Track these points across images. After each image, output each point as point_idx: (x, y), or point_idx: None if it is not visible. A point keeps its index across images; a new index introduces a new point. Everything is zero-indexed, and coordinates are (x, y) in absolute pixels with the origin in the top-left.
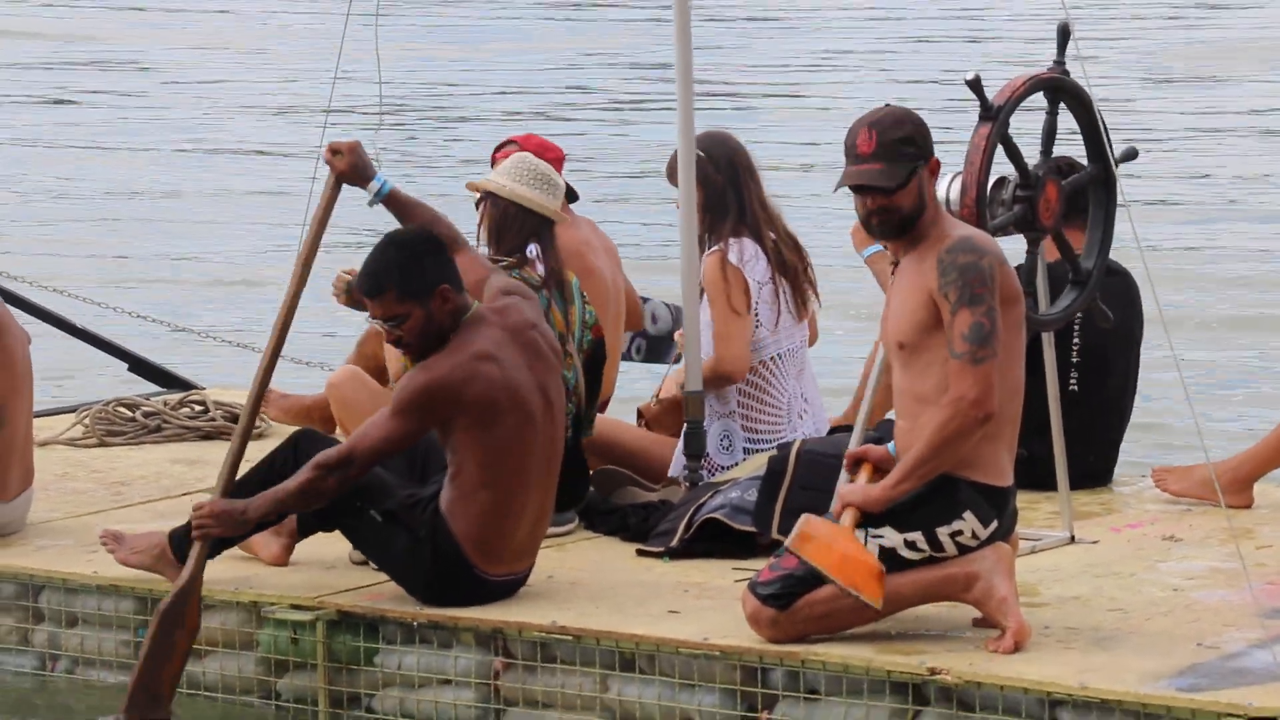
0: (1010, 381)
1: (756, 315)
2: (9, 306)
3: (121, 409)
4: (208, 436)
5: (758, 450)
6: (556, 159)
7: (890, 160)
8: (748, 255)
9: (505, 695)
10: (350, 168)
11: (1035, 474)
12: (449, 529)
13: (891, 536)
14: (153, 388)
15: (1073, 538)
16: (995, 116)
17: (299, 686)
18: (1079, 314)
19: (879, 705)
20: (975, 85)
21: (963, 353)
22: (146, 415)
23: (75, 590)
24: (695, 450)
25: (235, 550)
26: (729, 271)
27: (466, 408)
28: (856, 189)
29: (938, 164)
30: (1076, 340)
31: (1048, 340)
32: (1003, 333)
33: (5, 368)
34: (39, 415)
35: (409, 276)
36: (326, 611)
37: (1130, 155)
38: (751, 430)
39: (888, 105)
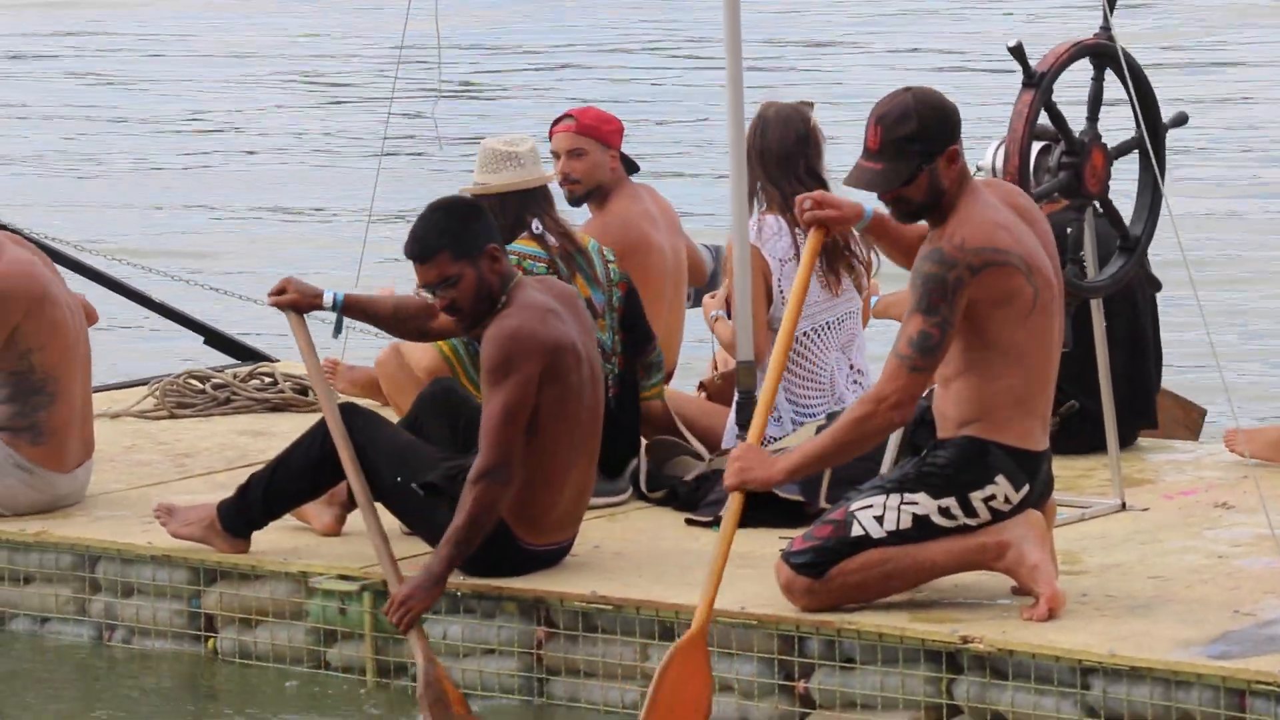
0: (1033, 355)
1: (780, 291)
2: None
3: (193, 381)
4: (276, 408)
5: (805, 421)
6: (614, 130)
7: (893, 159)
8: (768, 233)
9: (548, 664)
10: (299, 296)
11: (1090, 432)
12: None
13: (926, 503)
14: (229, 360)
15: (1123, 505)
16: (1038, 83)
17: (347, 656)
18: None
19: (913, 674)
20: (1017, 52)
21: (904, 356)
22: (216, 387)
23: (131, 561)
24: (746, 420)
25: (289, 520)
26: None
27: (548, 355)
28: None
29: (956, 151)
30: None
31: (1096, 307)
32: (982, 329)
33: (54, 341)
34: (112, 388)
35: (460, 237)
36: (372, 582)
37: (1181, 120)
38: (796, 402)
39: (908, 89)
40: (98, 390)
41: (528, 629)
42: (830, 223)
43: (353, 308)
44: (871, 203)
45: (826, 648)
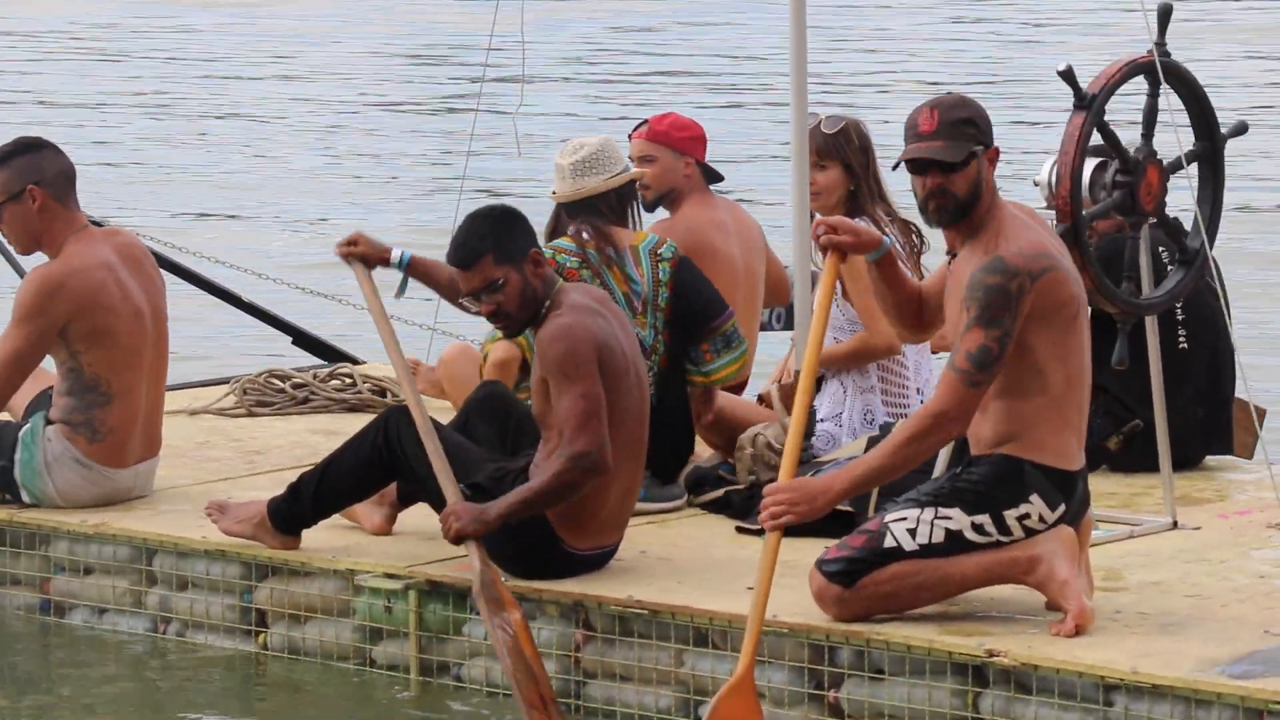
0: (1070, 371)
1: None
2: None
3: (274, 380)
4: (354, 409)
5: (889, 425)
6: (689, 138)
7: (951, 138)
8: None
9: (586, 667)
10: (369, 249)
11: (1154, 452)
12: None
13: (959, 519)
14: (317, 361)
15: (1175, 523)
16: (1089, 105)
17: (392, 654)
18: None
19: (940, 686)
20: (1068, 75)
21: (962, 370)
22: (296, 387)
23: (186, 555)
24: (809, 430)
25: (339, 520)
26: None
27: (604, 354)
28: (916, 166)
29: (996, 153)
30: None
31: (1150, 325)
32: (1023, 346)
33: (110, 346)
34: (196, 386)
35: (502, 242)
36: (417, 581)
37: (1240, 130)
38: (892, 404)
39: (950, 93)
40: (182, 388)
41: (567, 632)
42: (845, 248)
43: (417, 268)
44: (889, 239)
45: (856, 658)
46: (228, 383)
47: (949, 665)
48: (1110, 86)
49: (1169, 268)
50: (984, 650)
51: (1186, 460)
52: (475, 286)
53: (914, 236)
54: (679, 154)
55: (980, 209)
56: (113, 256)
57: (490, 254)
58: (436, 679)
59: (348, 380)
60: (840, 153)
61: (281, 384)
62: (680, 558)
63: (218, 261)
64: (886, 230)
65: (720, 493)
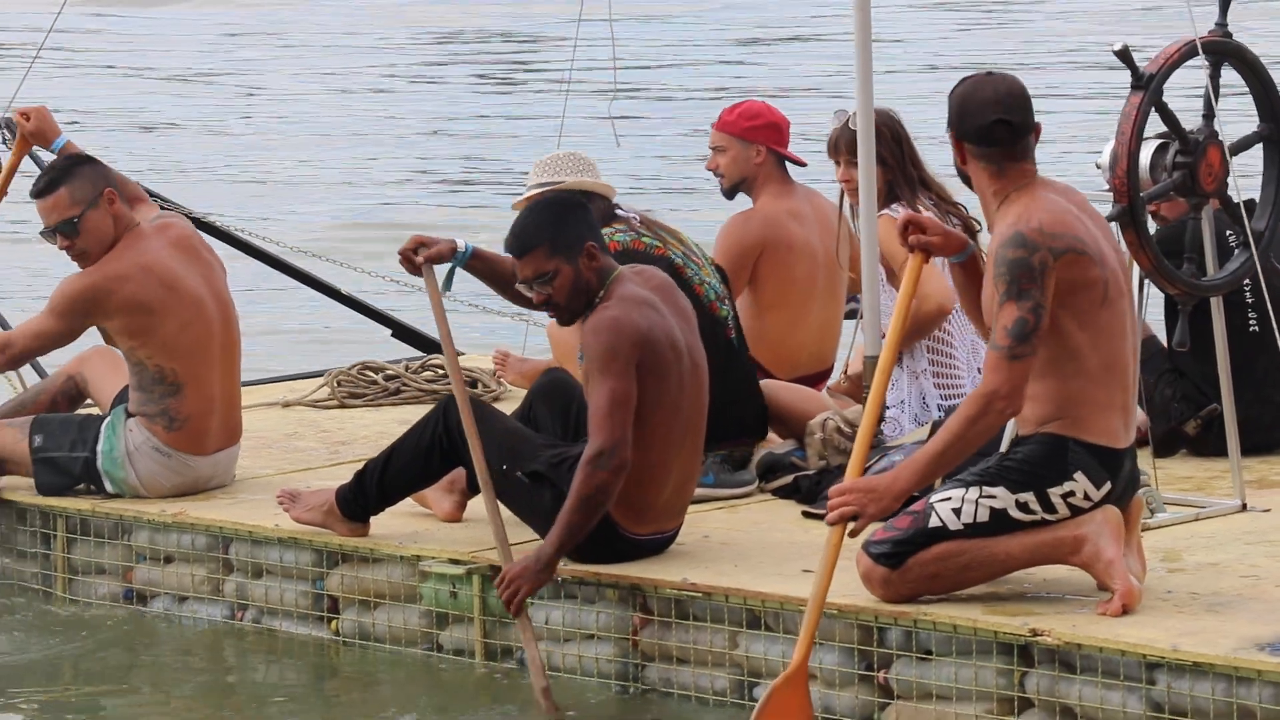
0: (1107, 356)
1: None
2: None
3: (366, 372)
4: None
5: (953, 406)
6: (758, 126)
7: None
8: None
9: (643, 650)
10: (437, 249)
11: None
12: None
13: (1004, 497)
14: (416, 353)
15: (1244, 505)
16: (1146, 85)
17: (458, 639)
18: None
19: (986, 666)
20: (1124, 55)
21: (1002, 347)
22: (388, 379)
23: (260, 542)
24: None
25: (411, 505)
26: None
27: (645, 346)
28: None
29: (957, 145)
30: (1247, 280)
31: (1216, 305)
32: (1054, 327)
33: (168, 338)
34: (293, 379)
35: (558, 233)
36: (479, 567)
37: None
38: (944, 386)
39: (988, 73)
40: (279, 380)
41: (625, 615)
42: (934, 249)
43: (478, 259)
44: (974, 244)
45: (905, 638)
46: (323, 375)
47: (994, 645)
48: (1169, 66)
49: (1235, 251)
50: (1028, 630)
51: (1270, 444)
52: (528, 276)
53: (964, 221)
54: (748, 143)
55: (976, 188)
56: (164, 251)
57: (545, 245)
58: (500, 663)
59: (439, 371)
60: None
61: (374, 376)
62: (741, 542)
63: (312, 254)
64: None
65: (790, 479)
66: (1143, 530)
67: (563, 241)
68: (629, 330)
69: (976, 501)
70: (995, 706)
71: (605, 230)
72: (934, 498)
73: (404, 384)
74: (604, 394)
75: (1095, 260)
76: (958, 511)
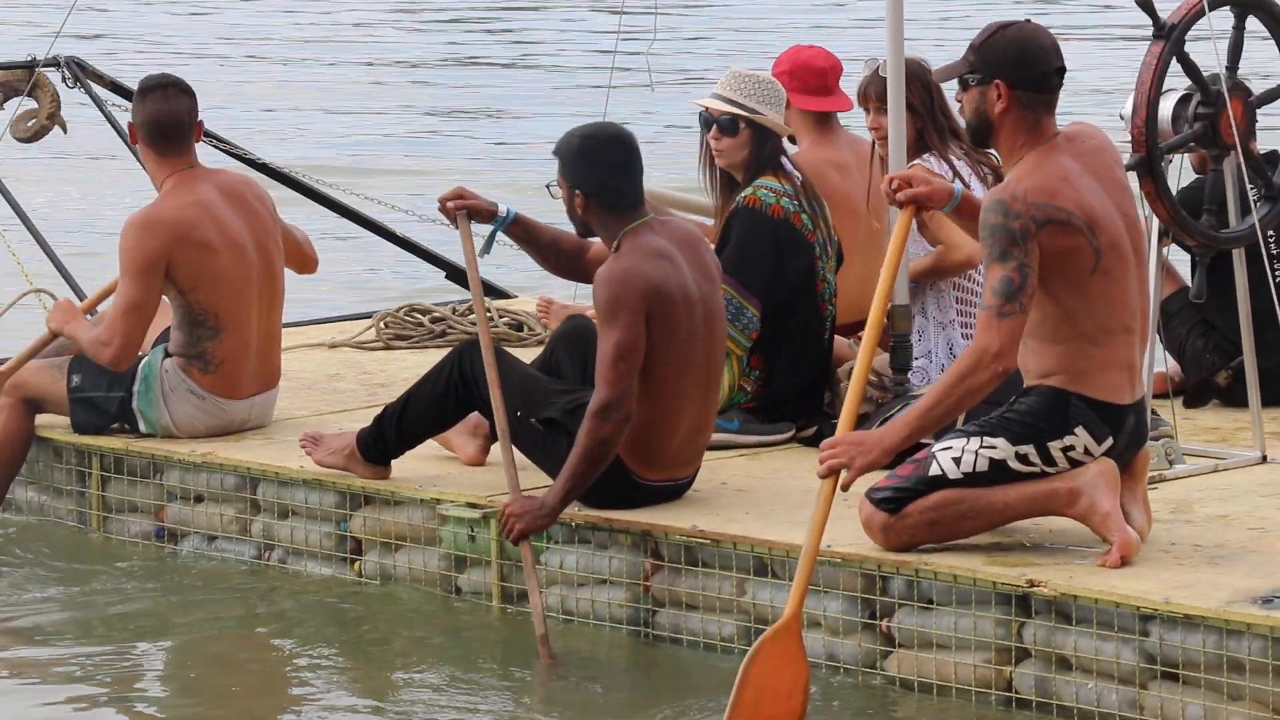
0: (1104, 319)
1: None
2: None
3: (414, 314)
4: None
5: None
6: (786, 71)
7: (964, 58)
8: (937, 169)
9: (655, 595)
10: (477, 201)
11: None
12: None
13: (1004, 448)
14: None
15: (1264, 457)
16: (1167, 35)
17: (476, 582)
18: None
19: (985, 615)
20: (1145, 4)
21: (990, 306)
22: (434, 321)
23: (287, 484)
24: (901, 364)
25: (436, 449)
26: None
27: (654, 296)
28: None
29: (1004, 90)
30: (1271, 232)
31: (1238, 257)
32: (1044, 292)
33: (213, 280)
34: (344, 319)
35: (565, 159)
36: (496, 510)
37: None
38: (972, 337)
39: (1030, 22)
40: (329, 321)
41: (637, 561)
42: (921, 200)
43: (519, 226)
44: (961, 187)
45: (907, 588)
46: (371, 317)
47: (993, 595)
48: (1190, 17)
49: (1257, 204)
50: (1025, 580)
51: None
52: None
53: (995, 170)
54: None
55: (998, 143)
56: (212, 194)
57: (560, 161)
58: (517, 606)
59: (486, 314)
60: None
61: (420, 318)
62: (757, 489)
63: (367, 197)
64: (960, 167)
65: (814, 429)
66: (1161, 481)
67: (569, 170)
68: (638, 281)
69: (977, 452)
70: (994, 656)
71: (760, 181)
72: (936, 447)
73: (449, 326)
74: (610, 345)
75: (1083, 230)
76: (958, 460)
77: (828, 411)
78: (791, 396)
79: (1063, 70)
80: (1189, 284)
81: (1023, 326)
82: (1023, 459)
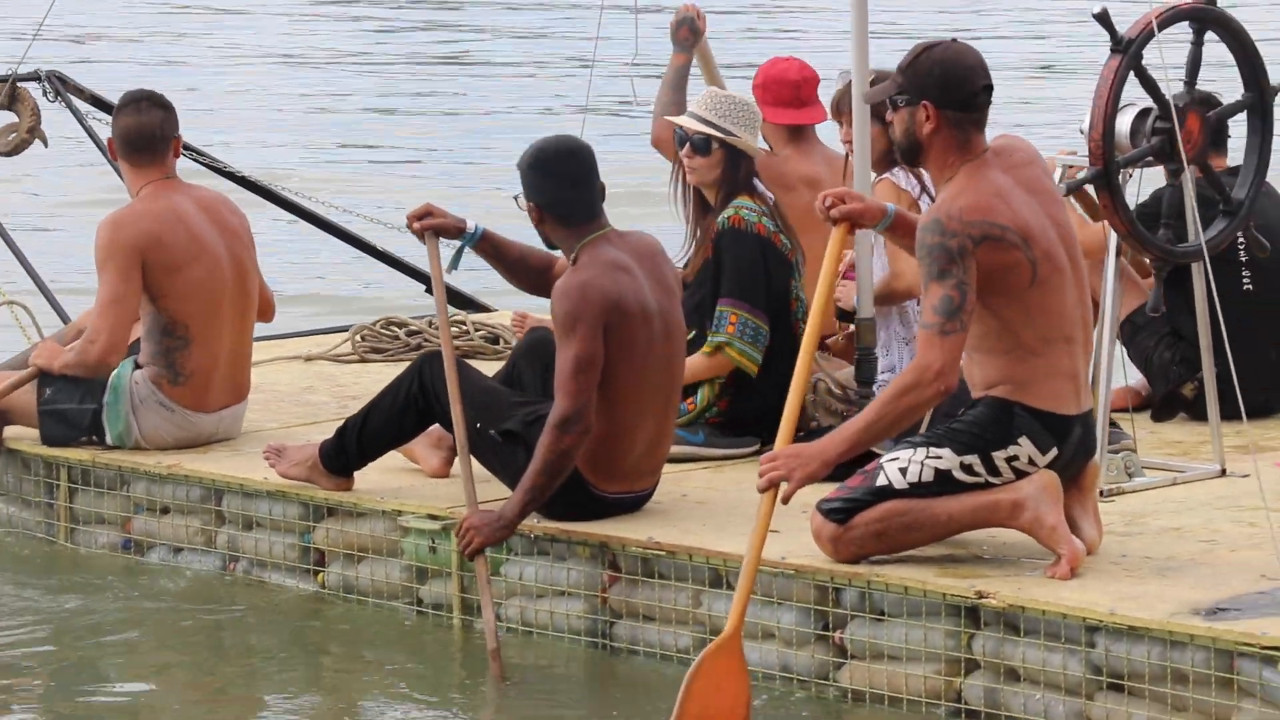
0: (1044, 330)
1: None
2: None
3: (391, 327)
4: (466, 355)
5: None
6: (760, 84)
7: (892, 78)
8: (905, 183)
9: (612, 607)
10: (445, 221)
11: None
12: None
13: (949, 458)
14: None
15: (1223, 470)
16: (1125, 49)
17: (437, 594)
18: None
19: (936, 627)
20: (1103, 19)
21: (932, 324)
22: (410, 334)
23: (251, 495)
24: (866, 377)
25: (402, 461)
26: (902, 196)
27: (615, 313)
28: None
29: (932, 112)
30: (1241, 240)
31: (1196, 271)
32: (984, 306)
33: (186, 292)
34: (321, 333)
35: (522, 173)
36: (456, 522)
37: None
38: None
39: (958, 42)
40: (307, 334)
41: (595, 572)
42: (853, 217)
43: (488, 242)
44: (894, 205)
45: (860, 599)
46: (348, 330)
47: (943, 607)
48: (1149, 32)
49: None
50: (974, 592)
51: (1266, 406)
52: None
53: None
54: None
55: (928, 162)
56: (187, 205)
57: (519, 174)
58: (477, 618)
59: (463, 326)
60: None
61: (397, 331)
62: (717, 502)
63: (346, 210)
64: (929, 181)
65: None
66: (1119, 494)
67: (524, 183)
68: (595, 294)
69: (923, 462)
70: (944, 667)
71: (737, 201)
72: (885, 457)
73: (425, 339)
74: (569, 358)
75: (1019, 243)
76: (904, 471)
77: (799, 427)
78: (760, 412)
79: (989, 88)
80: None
81: (963, 343)
82: (967, 469)
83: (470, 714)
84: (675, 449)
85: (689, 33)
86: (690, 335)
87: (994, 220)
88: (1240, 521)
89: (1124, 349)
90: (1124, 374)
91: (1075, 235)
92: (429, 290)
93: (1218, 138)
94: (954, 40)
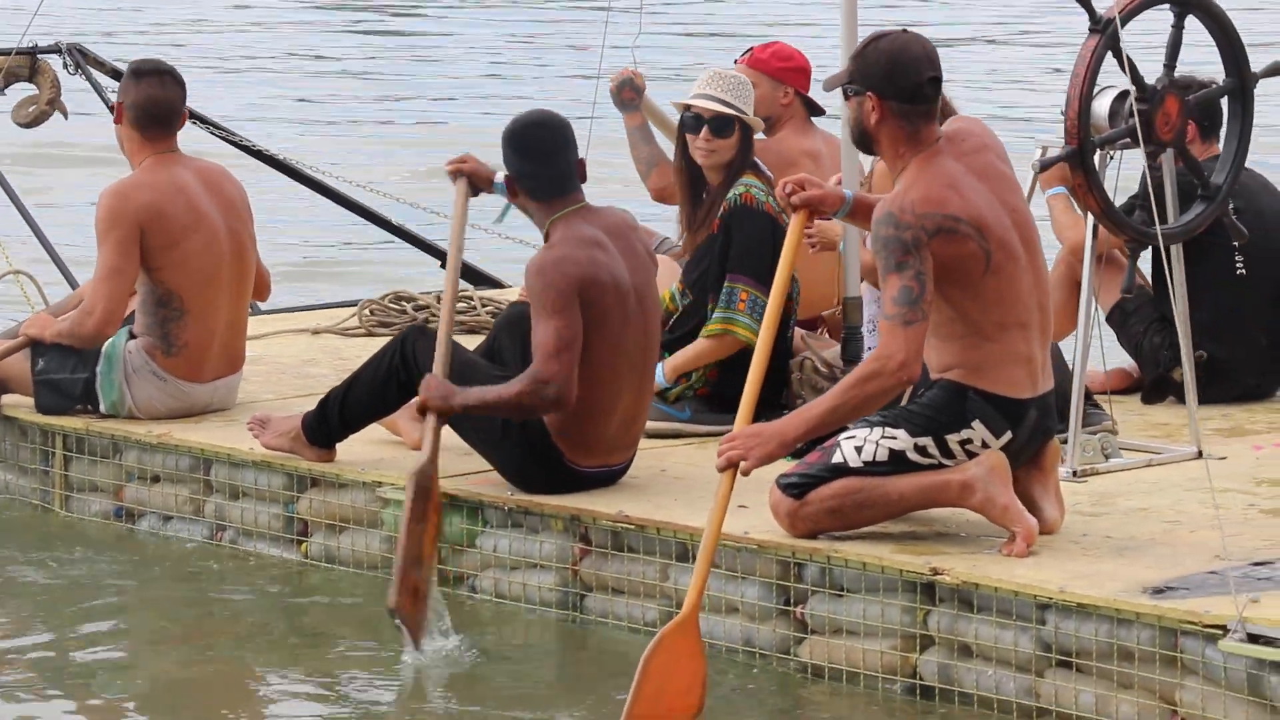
0: (1000, 316)
1: None
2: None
3: (401, 301)
4: (472, 330)
5: None
6: (790, 69)
7: (846, 68)
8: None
9: (584, 580)
10: (477, 167)
11: (1221, 383)
12: (540, 420)
13: (904, 439)
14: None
15: (1200, 453)
16: (1103, 29)
17: None
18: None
19: (893, 603)
20: None
21: (894, 315)
22: (417, 309)
23: (238, 465)
24: (852, 355)
25: (382, 433)
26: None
27: (590, 287)
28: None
29: (877, 103)
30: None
31: (1176, 255)
32: (940, 296)
33: (182, 263)
34: (333, 307)
35: (503, 148)
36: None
37: (1276, 69)
38: None
39: (909, 32)
40: (320, 308)
41: (567, 545)
42: (813, 204)
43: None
44: (852, 191)
45: (820, 575)
46: (357, 304)
47: (900, 583)
48: (1128, 12)
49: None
50: (929, 568)
51: (1258, 390)
52: None
53: None
54: (777, 83)
55: (879, 150)
56: (188, 178)
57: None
58: (453, 589)
59: (470, 302)
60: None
61: (404, 305)
62: (694, 477)
63: (360, 185)
64: None
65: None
66: (1094, 474)
67: (502, 156)
68: (570, 269)
69: (878, 441)
70: (900, 643)
71: (746, 179)
72: (842, 435)
73: (433, 314)
74: (550, 331)
75: (972, 234)
76: (859, 449)
77: (784, 404)
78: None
79: (936, 80)
80: (1147, 282)
81: (925, 333)
82: (921, 450)
83: (442, 685)
84: (661, 425)
85: (631, 93)
86: (689, 301)
87: (947, 212)
88: (1207, 503)
89: (1115, 333)
90: (1102, 358)
91: (1031, 219)
92: (443, 265)
93: (1210, 124)
94: (904, 30)
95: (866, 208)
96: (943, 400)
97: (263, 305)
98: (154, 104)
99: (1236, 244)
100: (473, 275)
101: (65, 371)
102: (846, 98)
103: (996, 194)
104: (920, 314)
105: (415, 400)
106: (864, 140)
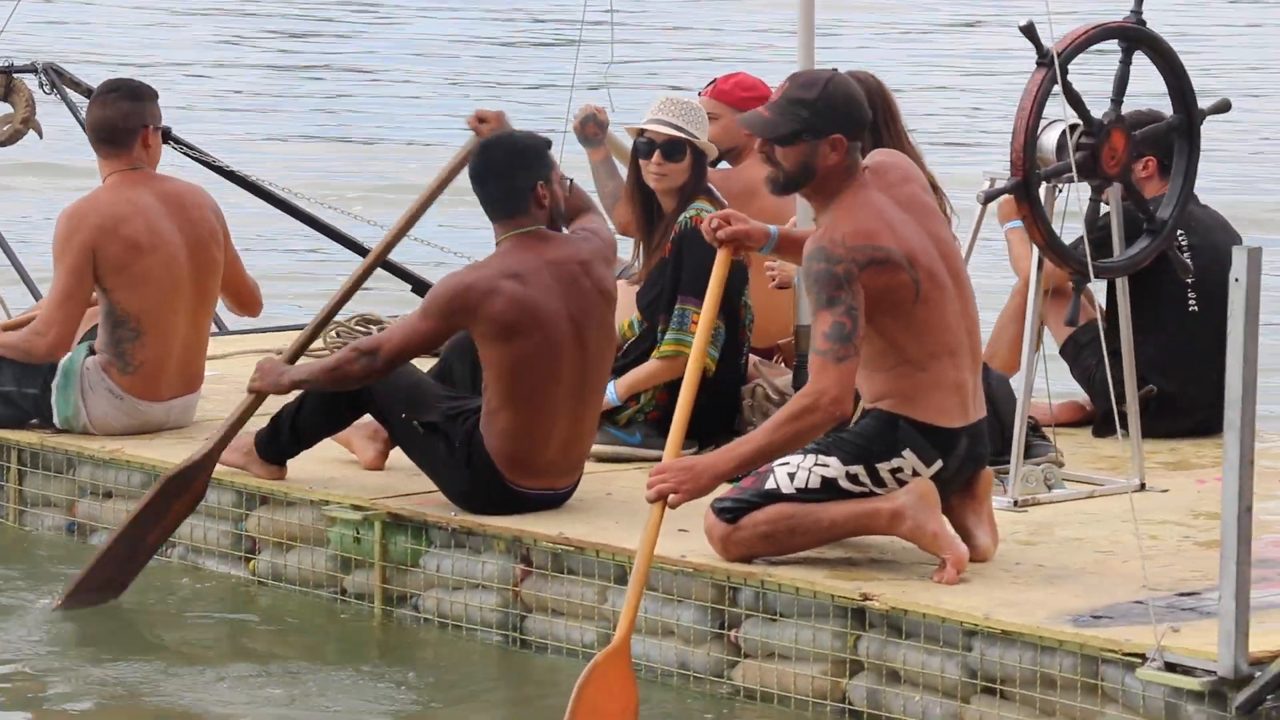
0: (930, 345)
1: None
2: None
3: (367, 323)
4: (435, 354)
5: None
6: (754, 99)
7: (780, 115)
8: None
9: (524, 601)
10: (497, 129)
11: (1169, 416)
12: (482, 442)
13: (836, 467)
14: None
15: (1142, 485)
16: (1050, 63)
17: (360, 583)
18: (1183, 240)
19: (824, 628)
20: (1029, 31)
21: (825, 351)
22: (380, 330)
23: None
24: (803, 382)
25: (338, 451)
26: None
27: (483, 319)
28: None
29: (842, 143)
30: (1185, 249)
31: (1121, 287)
32: (871, 327)
33: (142, 285)
34: (295, 329)
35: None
36: (378, 513)
37: (1223, 107)
38: None
39: (838, 71)
40: (287, 329)
41: (508, 566)
42: (738, 239)
43: None
44: (777, 226)
45: (755, 599)
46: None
47: (831, 608)
48: (1075, 47)
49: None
50: (860, 594)
51: (1206, 426)
52: None
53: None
54: (739, 112)
55: (819, 187)
56: (148, 197)
57: None
58: (397, 609)
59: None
60: None
61: (371, 329)
62: (639, 501)
63: (332, 207)
64: None
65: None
66: (1035, 504)
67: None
68: (457, 296)
69: (811, 469)
70: (830, 668)
71: (698, 203)
72: (777, 462)
73: None
74: (407, 328)
75: (903, 264)
76: (792, 476)
77: (735, 430)
78: (700, 410)
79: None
80: (1098, 315)
81: (856, 369)
82: (853, 479)
83: (385, 703)
84: (611, 449)
85: (595, 128)
86: (644, 328)
87: (878, 244)
88: (1143, 535)
89: (1069, 366)
90: (1047, 390)
91: (956, 249)
92: (415, 291)
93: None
94: (835, 70)
95: (792, 242)
96: (874, 429)
97: (230, 326)
98: (101, 124)
99: (1189, 280)
100: (418, 283)
101: (15, 385)
102: (791, 143)
103: (922, 225)
104: (852, 350)
105: (367, 418)
106: (800, 181)
